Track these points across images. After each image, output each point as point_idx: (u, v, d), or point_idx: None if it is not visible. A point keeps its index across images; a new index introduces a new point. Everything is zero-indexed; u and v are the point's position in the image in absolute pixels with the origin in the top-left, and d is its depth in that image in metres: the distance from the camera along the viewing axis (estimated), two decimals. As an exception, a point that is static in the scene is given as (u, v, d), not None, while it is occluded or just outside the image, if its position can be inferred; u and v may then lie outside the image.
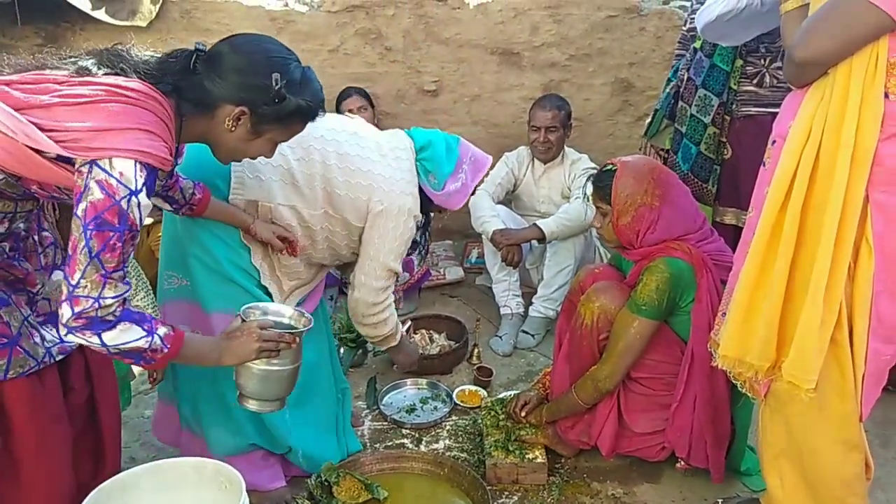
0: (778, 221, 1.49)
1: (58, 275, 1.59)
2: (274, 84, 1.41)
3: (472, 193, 2.22)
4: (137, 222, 1.30)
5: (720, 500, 1.95)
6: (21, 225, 1.49)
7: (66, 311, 1.30)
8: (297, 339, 1.61)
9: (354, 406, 2.51)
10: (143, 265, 2.29)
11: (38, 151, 1.26)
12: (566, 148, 3.18)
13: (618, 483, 2.09)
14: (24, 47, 3.47)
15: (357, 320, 2.15)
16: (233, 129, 1.45)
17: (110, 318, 1.33)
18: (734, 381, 1.68)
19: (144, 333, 1.38)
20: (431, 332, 2.93)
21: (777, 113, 2.50)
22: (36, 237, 1.56)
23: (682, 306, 1.91)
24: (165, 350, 1.42)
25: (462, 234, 3.92)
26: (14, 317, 1.45)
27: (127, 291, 1.36)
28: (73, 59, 1.35)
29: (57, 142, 1.25)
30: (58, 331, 1.52)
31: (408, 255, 2.19)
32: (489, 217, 3.01)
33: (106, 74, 1.33)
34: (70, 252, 1.28)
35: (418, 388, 2.62)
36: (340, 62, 3.67)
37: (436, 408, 2.50)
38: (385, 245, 1.99)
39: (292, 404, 1.78)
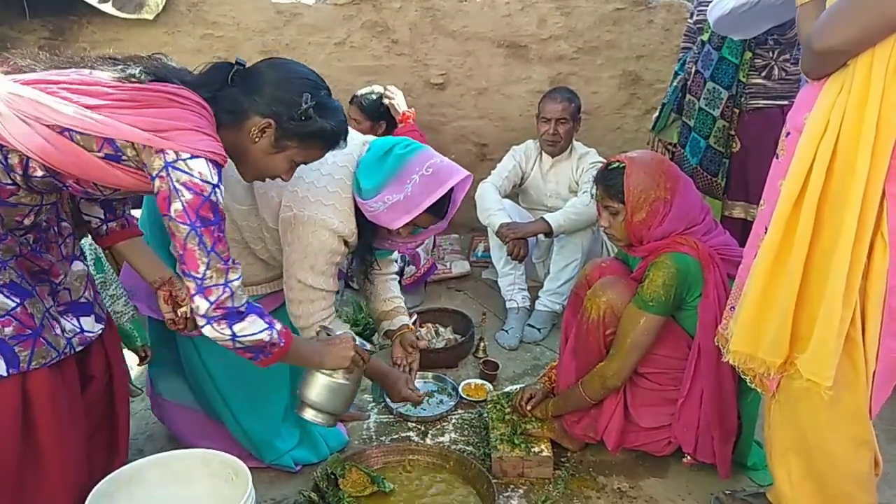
0: (793, 214, 1.46)
1: (77, 265, 1.63)
2: (303, 102, 1.49)
3: (441, 215, 1.89)
4: (223, 211, 1.40)
5: (726, 492, 1.94)
6: (43, 217, 1.52)
7: (202, 304, 1.39)
8: (366, 360, 1.80)
9: (360, 399, 2.52)
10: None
11: (87, 150, 1.31)
12: (574, 142, 3.16)
13: (624, 477, 2.09)
14: (32, 41, 3.49)
15: None
16: (256, 139, 1.50)
17: (242, 308, 1.44)
18: (743, 377, 1.66)
19: (266, 326, 1.49)
20: (437, 325, 2.93)
21: (785, 105, 2.53)
22: (56, 228, 1.59)
23: (689, 301, 1.90)
24: (281, 344, 1.52)
25: (468, 227, 3.92)
26: (37, 308, 1.47)
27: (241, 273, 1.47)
28: (120, 66, 1.40)
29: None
30: (79, 321, 1.58)
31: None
32: (495, 210, 3.00)
33: (152, 82, 1.39)
34: (181, 251, 1.36)
35: (424, 382, 2.62)
36: (347, 55, 3.66)
37: (442, 401, 2.50)
38: (293, 255, 1.85)
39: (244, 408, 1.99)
